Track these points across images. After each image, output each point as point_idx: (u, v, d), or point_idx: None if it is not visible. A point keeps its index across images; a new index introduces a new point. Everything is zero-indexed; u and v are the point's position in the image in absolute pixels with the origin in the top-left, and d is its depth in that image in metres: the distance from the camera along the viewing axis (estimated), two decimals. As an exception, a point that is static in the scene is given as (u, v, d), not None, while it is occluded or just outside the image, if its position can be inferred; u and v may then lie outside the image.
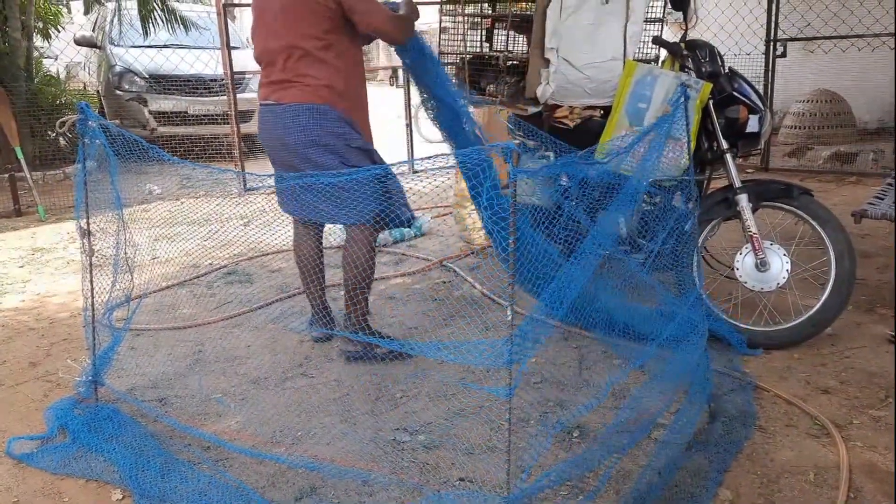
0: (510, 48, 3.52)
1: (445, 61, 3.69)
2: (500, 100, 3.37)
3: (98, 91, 8.65)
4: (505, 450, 1.75)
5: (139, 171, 6.15)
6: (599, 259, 2.24)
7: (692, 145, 2.70)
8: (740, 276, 2.88)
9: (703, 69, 2.97)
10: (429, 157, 2.15)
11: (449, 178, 4.99)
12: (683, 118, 2.41)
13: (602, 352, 2.89)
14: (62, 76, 9.01)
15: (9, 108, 6.17)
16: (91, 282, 2.49)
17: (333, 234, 4.31)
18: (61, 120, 6.58)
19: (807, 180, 5.73)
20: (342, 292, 3.01)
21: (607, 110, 3.14)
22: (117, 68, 7.95)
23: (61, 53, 8.72)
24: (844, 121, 7.20)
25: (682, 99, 2.37)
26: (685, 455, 2.14)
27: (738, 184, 2.88)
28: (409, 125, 7.14)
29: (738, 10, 6.86)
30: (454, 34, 3.76)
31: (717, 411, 2.37)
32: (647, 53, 3.61)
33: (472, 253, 4.30)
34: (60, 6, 9.26)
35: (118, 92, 7.87)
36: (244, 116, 6.95)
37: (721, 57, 3.04)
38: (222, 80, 6.63)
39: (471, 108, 2.99)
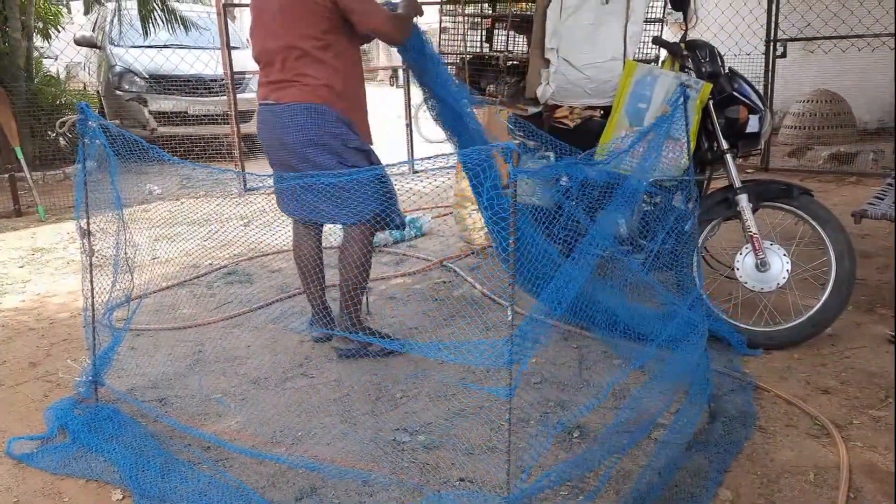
0: (510, 48, 3.52)
1: (446, 61, 3.68)
2: (500, 100, 3.37)
3: (98, 91, 8.65)
4: (505, 450, 1.75)
5: (139, 171, 6.16)
6: (598, 259, 2.24)
7: (692, 145, 2.70)
8: (740, 277, 2.88)
9: (703, 69, 2.97)
10: (429, 157, 2.15)
11: (449, 178, 4.99)
12: (683, 118, 2.41)
13: (602, 352, 2.89)
14: (62, 76, 9.02)
15: (9, 109, 6.17)
16: (91, 282, 2.49)
17: (333, 234, 4.31)
18: (61, 120, 6.58)
19: (807, 180, 5.73)
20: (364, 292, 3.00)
21: (607, 110, 3.14)
22: (117, 68, 7.96)
23: (61, 53, 8.72)
24: (844, 121, 7.20)
25: (682, 99, 2.37)
26: (685, 455, 2.14)
27: (738, 184, 2.88)
28: (409, 125, 7.14)
29: (738, 11, 6.87)
30: (454, 34, 3.76)
31: (718, 411, 2.37)
32: (647, 53, 3.61)
33: (473, 253, 4.31)
34: (60, 6, 9.26)
35: (118, 92, 7.87)
36: (244, 116, 6.95)
37: (721, 57, 3.04)
38: (222, 80, 6.63)
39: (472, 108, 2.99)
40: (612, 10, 3.08)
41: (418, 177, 6.49)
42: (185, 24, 7.80)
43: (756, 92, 3.02)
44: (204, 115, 7.82)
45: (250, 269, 4.20)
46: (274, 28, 2.73)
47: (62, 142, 7.47)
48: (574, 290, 1.96)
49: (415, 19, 2.86)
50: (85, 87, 9.45)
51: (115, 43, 8.24)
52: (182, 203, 4.05)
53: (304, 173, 2.67)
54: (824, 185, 5.71)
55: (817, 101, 7.23)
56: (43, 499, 2.11)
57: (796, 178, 5.50)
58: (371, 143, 2.96)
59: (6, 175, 6.01)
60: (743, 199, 2.86)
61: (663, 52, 3.22)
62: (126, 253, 2.54)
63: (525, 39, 3.51)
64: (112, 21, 8.18)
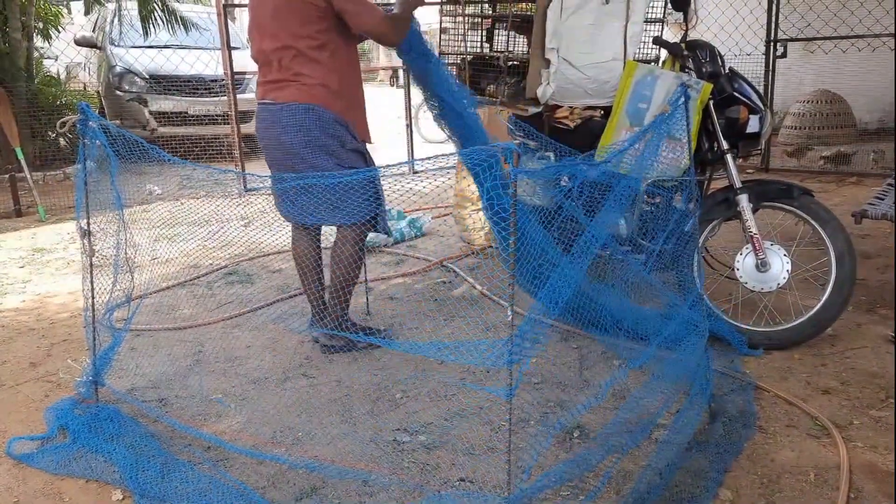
0: (510, 48, 3.51)
1: (446, 61, 3.68)
2: (500, 100, 3.37)
3: (98, 91, 8.66)
4: (505, 450, 1.75)
5: (139, 171, 6.16)
6: (596, 258, 2.24)
7: (692, 146, 2.70)
8: (741, 277, 2.88)
9: (704, 69, 2.97)
10: (429, 158, 2.15)
11: (449, 178, 4.99)
12: (684, 118, 2.41)
13: (602, 352, 2.89)
14: (62, 77, 9.02)
15: (9, 109, 6.18)
16: (91, 282, 2.49)
17: (332, 234, 4.31)
18: (62, 120, 6.58)
19: (807, 181, 5.73)
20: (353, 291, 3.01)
21: (608, 111, 3.14)
22: (117, 69, 7.96)
23: (61, 54, 8.73)
24: (844, 121, 7.20)
25: (683, 99, 2.37)
26: (685, 455, 2.14)
27: (738, 184, 2.88)
28: (409, 125, 7.14)
29: (738, 11, 6.87)
30: (454, 35, 3.75)
31: (718, 412, 2.37)
32: (647, 54, 3.61)
33: (473, 253, 4.31)
34: (61, 7, 9.26)
35: (118, 92, 7.87)
36: (244, 117, 6.95)
37: (721, 57, 3.04)
38: (222, 80, 6.63)
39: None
40: (612, 11, 3.08)
41: (418, 177, 6.49)
42: (186, 24, 7.80)
43: (756, 92, 3.02)
44: (204, 116, 7.82)
45: (250, 270, 4.20)
46: (270, 28, 2.73)
47: (62, 142, 7.48)
48: (571, 289, 1.96)
49: (414, 19, 2.85)
50: (85, 88, 9.45)
51: (116, 43, 8.24)
52: (182, 203, 4.06)
53: (301, 174, 2.67)
54: (824, 186, 5.71)
55: (817, 102, 7.23)
56: (43, 499, 2.11)
57: (797, 179, 5.50)
58: (371, 142, 2.97)
59: (6, 175, 6.02)
60: (743, 200, 2.86)
61: (664, 53, 3.22)
62: (126, 253, 2.54)
63: (525, 40, 3.51)
64: (112, 21, 8.18)
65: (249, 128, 6.92)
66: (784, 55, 6.36)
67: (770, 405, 2.46)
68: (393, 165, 2.49)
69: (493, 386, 2.46)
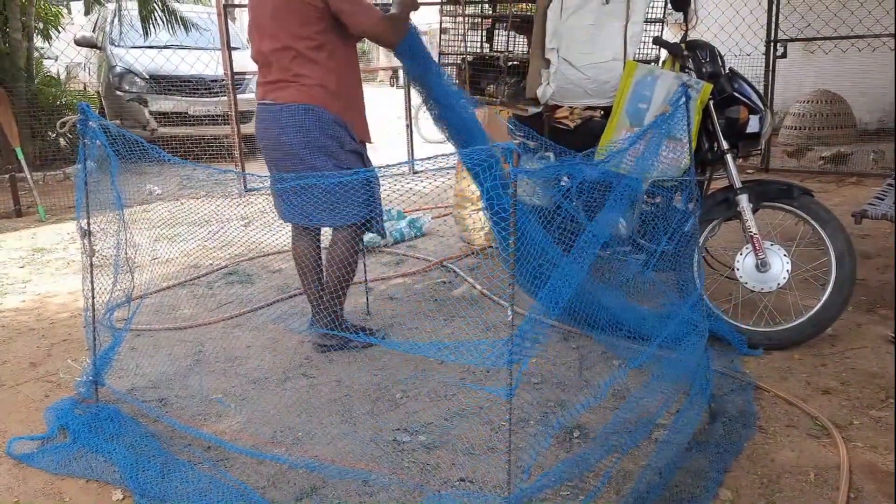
0: (511, 49, 3.51)
1: (446, 62, 3.69)
2: (500, 100, 3.37)
3: (98, 92, 8.65)
4: (505, 450, 1.75)
5: (139, 171, 6.17)
6: (596, 258, 2.24)
7: (692, 146, 2.70)
8: (741, 277, 2.88)
9: (704, 69, 2.97)
10: (429, 158, 2.15)
11: (449, 179, 4.99)
12: (685, 118, 2.41)
13: (602, 352, 2.89)
14: (62, 77, 9.02)
15: (9, 109, 6.18)
16: (92, 282, 2.49)
17: (331, 234, 4.31)
18: (62, 120, 6.58)
19: (807, 181, 5.73)
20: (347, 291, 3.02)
21: (608, 111, 3.14)
22: (118, 69, 7.96)
23: (62, 54, 8.72)
24: (844, 121, 7.20)
25: (683, 99, 2.37)
26: (685, 455, 2.14)
27: (738, 184, 2.89)
28: (409, 125, 7.14)
29: (738, 11, 6.87)
30: (454, 35, 3.75)
31: (718, 411, 2.37)
32: (647, 54, 3.61)
33: (472, 253, 4.31)
34: (61, 7, 9.26)
35: (118, 92, 7.87)
36: (244, 117, 6.95)
37: (721, 57, 3.04)
38: (222, 80, 6.63)
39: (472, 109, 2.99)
40: (612, 11, 3.08)
41: (418, 177, 6.49)
42: (186, 24, 7.80)
43: (756, 92, 3.02)
44: (204, 116, 7.83)
45: (250, 270, 4.20)
46: (269, 29, 2.74)
47: (62, 142, 7.48)
48: (571, 289, 1.96)
49: (412, 20, 2.86)
50: (85, 88, 9.45)
51: (116, 43, 8.24)
52: (182, 203, 4.06)
53: (300, 174, 2.68)
54: (825, 186, 5.71)
55: (817, 102, 7.23)
56: (43, 499, 2.11)
57: (797, 179, 5.50)
58: (370, 142, 2.97)
59: (7, 175, 6.02)
60: (743, 200, 2.86)
61: (664, 53, 3.22)
62: (126, 253, 2.54)
63: (525, 40, 3.51)
64: (112, 21, 8.18)
65: (249, 128, 6.92)
66: (784, 55, 6.36)
67: (770, 405, 2.46)
68: (393, 165, 2.50)
69: (493, 386, 2.46)
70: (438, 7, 3.87)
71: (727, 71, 3.03)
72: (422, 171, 6.57)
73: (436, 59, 3.39)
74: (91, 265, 2.47)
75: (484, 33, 3.83)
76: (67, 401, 2.59)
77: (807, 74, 7.63)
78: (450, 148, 3.12)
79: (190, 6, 9.60)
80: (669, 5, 3.41)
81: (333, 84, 2.74)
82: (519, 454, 2.11)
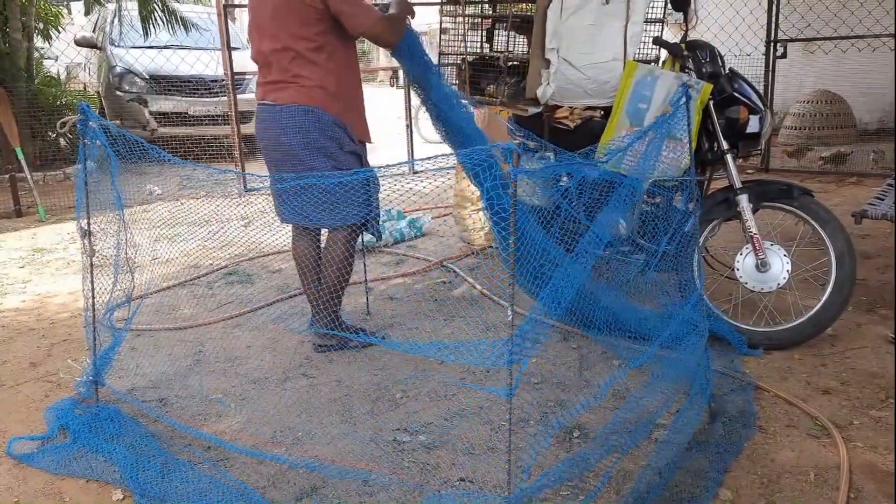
0: (511, 49, 3.51)
1: (446, 62, 3.69)
2: (500, 100, 3.37)
3: (98, 92, 8.65)
4: (505, 450, 1.75)
5: (140, 171, 6.17)
6: (596, 259, 2.25)
7: (692, 146, 2.70)
8: (741, 277, 2.88)
9: (704, 70, 2.97)
10: (429, 158, 2.15)
11: (449, 179, 4.99)
12: (685, 118, 2.42)
13: (602, 352, 2.89)
14: (62, 77, 9.02)
15: (9, 109, 6.18)
16: (92, 282, 2.49)
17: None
18: (62, 120, 6.59)
19: (807, 181, 5.73)
20: (344, 292, 3.02)
21: (608, 111, 3.14)
22: (118, 69, 7.96)
23: (62, 54, 8.73)
24: (844, 121, 7.20)
25: (684, 99, 2.37)
26: (685, 455, 2.14)
27: (738, 184, 2.89)
28: (409, 125, 7.14)
29: (738, 11, 6.87)
30: (455, 35, 3.75)
31: (718, 411, 2.37)
32: (647, 54, 3.61)
33: (473, 253, 4.31)
34: (61, 7, 9.27)
35: (118, 93, 7.87)
36: (244, 117, 6.95)
37: (721, 57, 3.04)
38: (222, 80, 6.64)
39: (472, 109, 2.99)
40: (612, 11, 3.08)
41: (418, 177, 6.49)
42: (186, 24, 7.80)
43: (756, 92, 3.02)
44: (204, 116, 7.83)
45: (250, 270, 4.20)
46: (269, 29, 2.74)
47: (63, 142, 7.48)
48: (573, 290, 1.96)
49: (409, 22, 2.86)
50: (85, 88, 9.46)
51: (116, 43, 8.24)
52: (182, 203, 4.06)
53: (300, 175, 2.68)
54: (825, 186, 5.71)
55: (817, 102, 7.23)
56: (44, 498, 2.12)
57: (797, 179, 5.50)
58: (371, 142, 2.98)
59: (7, 175, 6.02)
60: (743, 200, 2.86)
61: (664, 53, 3.22)
62: (126, 253, 2.54)
63: (525, 40, 3.50)
64: (112, 22, 8.19)
65: (249, 128, 6.92)
66: (784, 55, 6.36)
67: (770, 405, 2.46)
68: (393, 165, 2.50)
69: (493, 386, 2.46)
70: (438, 7, 3.87)
71: (727, 71, 3.03)
72: (422, 171, 6.57)
73: (436, 59, 3.40)
74: (91, 265, 2.47)
75: (484, 33, 3.83)
76: (67, 401, 2.59)
77: (807, 74, 7.64)
78: (449, 148, 3.12)
79: (190, 6, 9.60)
80: (669, 5, 3.41)
81: (333, 85, 2.75)
82: (519, 454, 2.11)
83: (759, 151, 4.22)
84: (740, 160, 3.29)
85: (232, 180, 6.29)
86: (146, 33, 7.60)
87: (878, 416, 2.36)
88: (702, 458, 2.13)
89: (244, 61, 6.63)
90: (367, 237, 4.47)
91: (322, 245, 3.05)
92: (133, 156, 2.45)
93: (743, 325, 2.89)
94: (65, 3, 9.53)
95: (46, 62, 9.28)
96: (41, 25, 8.53)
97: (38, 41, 8.63)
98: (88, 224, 2.45)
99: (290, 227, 3.03)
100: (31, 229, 5.55)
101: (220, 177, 6.56)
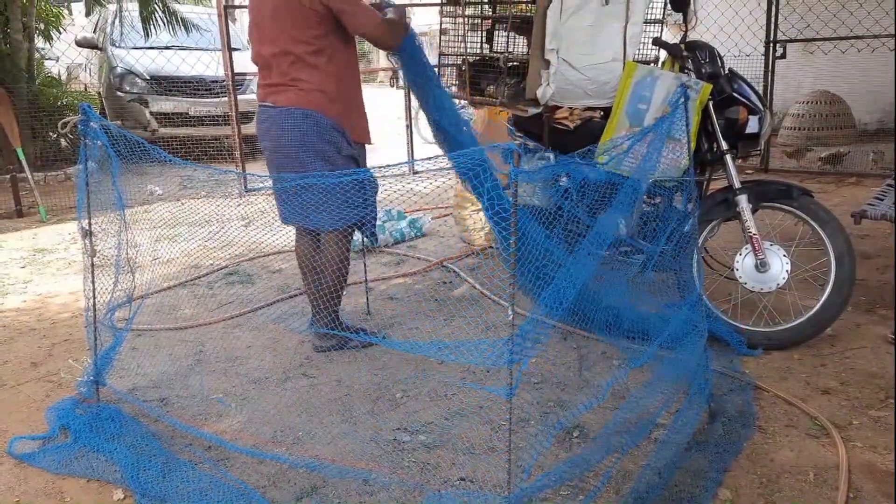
0: (510, 49, 3.52)
1: (446, 62, 3.69)
2: (500, 101, 3.38)
3: (99, 92, 8.66)
4: (505, 450, 1.76)
5: (140, 171, 6.18)
6: (597, 259, 2.25)
7: (692, 146, 2.71)
8: (740, 277, 2.89)
9: (703, 70, 2.97)
10: (429, 158, 2.16)
11: (449, 179, 4.99)
12: (684, 119, 2.42)
13: (602, 352, 2.90)
14: (63, 77, 9.03)
15: (10, 109, 6.19)
16: (93, 282, 2.50)
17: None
18: (63, 121, 6.60)
19: (806, 181, 5.73)
20: (342, 292, 3.02)
21: (607, 111, 3.14)
22: (118, 70, 7.97)
23: (62, 55, 8.74)
24: (844, 122, 7.20)
25: (682, 100, 2.38)
26: (685, 455, 2.14)
27: (737, 185, 2.89)
28: (409, 126, 7.15)
29: (737, 12, 6.87)
30: (454, 35, 3.76)
31: (717, 411, 2.37)
32: (646, 55, 3.61)
33: (473, 253, 4.31)
34: (62, 8, 9.27)
35: (119, 93, 7.88)
36: (245, 117, 6.96)
37: (721, 58, 3.05)
38: (223, 81, 6.64)
39: (470, 110, 3.00)
40: (612, 12, 3.08)
41: (418, 177, 6.50)
42: (186, 25, 7.81)
43: (756, 93, 3.03)
44: (205, 117, 7.83)
45: (251, 270, 4.21)
46: (269, 31, 2.75)
47: (63, 143, 7.49)
48: (574, 290, 1.96)
49: (414, 33, 2.88)
50: (86, 89, 9.47)
51: (117, 44, 8.25)
52: (183, 204, 4.06)
53: (300, 175, 2.68)
54: (824, 186, 5.71)
55: (817, 102, 7.23)
56: (44, 498, 2.12)
57: (796, 179, 5.50)
58: (371, 143, 2.98)
59: (8, 176, 6.03)
60: (743, 200, 2.86)
61: (663, 53, 3.22)
62: (127, 253, 2.55)
63: (525, 41, 3.51)
64: (113, 22, 8.19)
65: (250, 128, 6.92)
66: (783, 56, 6.36)
67: (769, 405, 2.47)
68: (393, 166, 2.50)
69: (493, 385, 2.47)
70: (438, 8, 3.88)
71: (726, 71, 3.03)
72: (422, 172, 6.58)
73: (436, 59, 3.40)
74: (92, 265, 2.48)
75: (484, 34, 3.84)
76: (68, 400, 2.59)
77: (806, 75, 7.64)
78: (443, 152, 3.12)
79: (190, 7, 9.61)
80: (669, 6, 3.41)
81: (333, 89, 2.75)
82: (519, 454, 2.12)
83: (758, 152, 4.22)
84: (739, 160, 3.30)
85: (232, 181, 6.30)
86: (147, 34, 7.60)
87: (877, 416, 2.36)
88: (701, 457, 2.14)
89: (245, 62, 6.63)
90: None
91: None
92: (134, 156, 2.46)
93: (742, 326, 2.90)
94: (65, 3, 9.53)
95: (47, 63, 9.30)
96: (42, 26, 8.54)
97: (39, 42, 8.64)
98: (89, 224, 2.45)
99: (290, 228, 3.04)
100: (32, 229, 5.55)
101: (220, 177, 6.57)
